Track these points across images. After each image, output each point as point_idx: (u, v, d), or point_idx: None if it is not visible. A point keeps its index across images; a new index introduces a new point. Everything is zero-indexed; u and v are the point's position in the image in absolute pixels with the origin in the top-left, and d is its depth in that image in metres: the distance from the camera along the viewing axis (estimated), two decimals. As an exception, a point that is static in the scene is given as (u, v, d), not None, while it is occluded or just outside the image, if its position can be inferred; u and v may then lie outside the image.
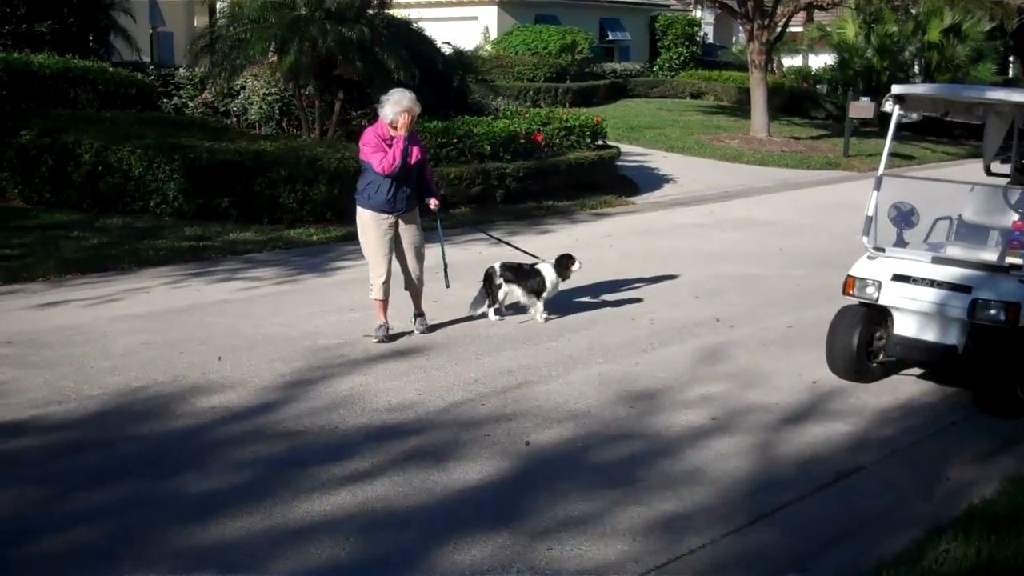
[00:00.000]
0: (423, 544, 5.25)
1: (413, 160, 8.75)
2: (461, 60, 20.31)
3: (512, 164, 16.75)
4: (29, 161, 14.34)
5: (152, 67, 23.12)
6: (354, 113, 18.27)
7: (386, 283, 8.88)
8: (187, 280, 11.00)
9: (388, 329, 8.96)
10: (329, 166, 14.71)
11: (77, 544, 5.18)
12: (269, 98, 19.23)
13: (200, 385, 7.55)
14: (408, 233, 8.95)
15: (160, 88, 20.76)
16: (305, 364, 8.08)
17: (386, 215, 8.79)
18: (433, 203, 9.10)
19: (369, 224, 8.85)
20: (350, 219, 14.52)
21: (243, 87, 19.51)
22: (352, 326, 9.24)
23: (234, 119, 19.72)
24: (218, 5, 26.75)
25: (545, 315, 9.59)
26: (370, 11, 17.27)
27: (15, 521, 5.39)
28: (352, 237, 13.85)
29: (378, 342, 8.81)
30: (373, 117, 18.12)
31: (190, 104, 20.30)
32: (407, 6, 18.82)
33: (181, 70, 21.70)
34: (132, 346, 8.51)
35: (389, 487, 5.90)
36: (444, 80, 18.96)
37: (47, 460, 6.22)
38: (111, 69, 20.02)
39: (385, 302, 8.97)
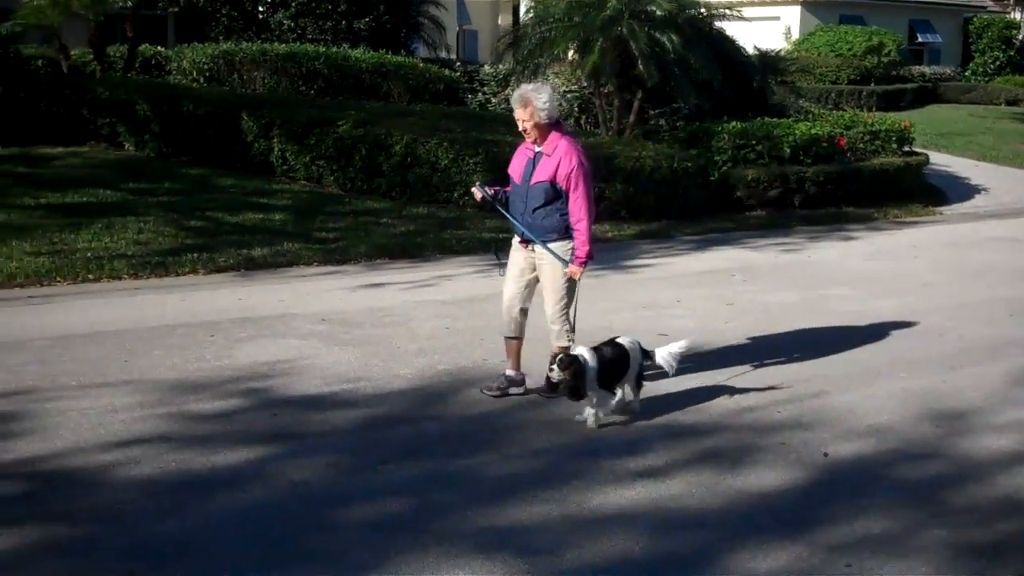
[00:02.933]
0: (717, 547, 5.19)
1: (535, 179, 6.89)
2: (763, 61, 20.00)
3: (812, 168, 16.34)
4: (345, 150, 15.19)
5: (458, 64, 24.06)
6: (652, 112, 18.32)
7: (506, 317, 7.24)
8: (487, 270, 11.33)
9: (508, 381, 7.26)
10: (625, 165, 14.80)
11: (385, 514, 5.44)
12: (569, 95, 19.57)
13: (499, 372, 7.74)
14: (542, 270, 7.10)
15: (465, 84, 21.53)
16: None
17: (518, 236, 7.21)
18: (568, 271, 6.95)
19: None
20: (645, 217, 14.73)
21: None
22: (645, 323, 9.24)
23: (535, 115, 20.16)
24: (522, 5, 27.50)
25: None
26: (688, 12, 17.26)
27: (331, 487, 5.72)
28: (647, 235, 14.03)
29: (489, 393, 7.24)
30: (671, 117, 18.33)
31: (493, 100, 20.96)
32: (709, 6, 18.64)
33: (486, 67, 22.45)
34: (436, 330, 8.86)
35: (683, 486, 5.87)
36: (745, 81, 18.73)
37: (358, 432, 6.57)
38: (421, 65, 20.96)
39: (510, 343, 7.29)
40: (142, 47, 21.30)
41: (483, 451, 6.30)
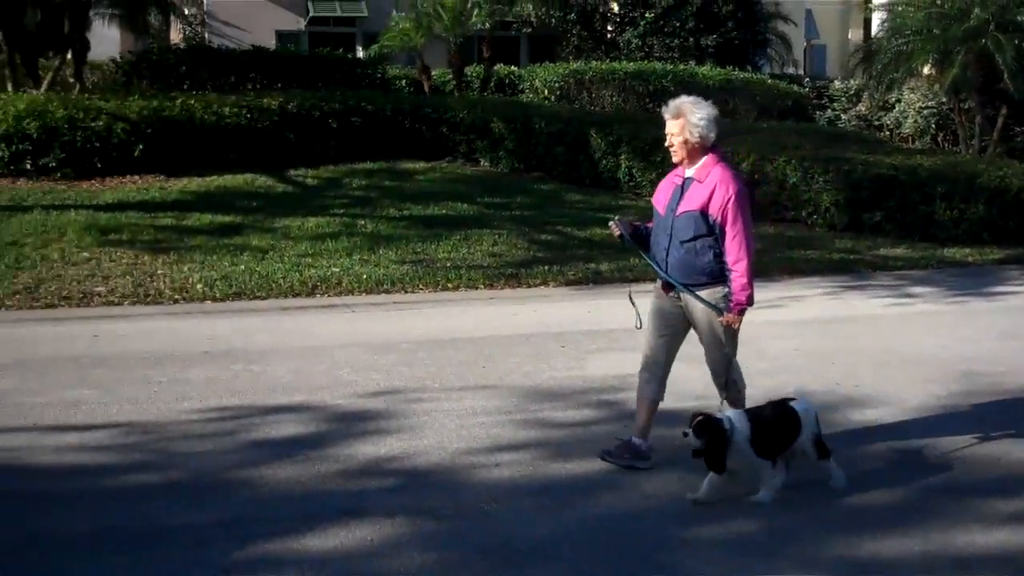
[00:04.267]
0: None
1: (682, 208, 5.91)
2: None
3: None
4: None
5: (807, 79, 23.56)
6: (1017, 129, 17.26)
7: (645, 373, 6.30)
8: (837, 292, 11.08)
9: (639, 448, 6.21)
10: (989, 184, 14.03)
11: (736, 533, 5.39)
12: (925, 111, 18.79)
13: (852, 397, 7.54)
14: (694, 319, 6.13)
15: (814, 100, 21.10)
16: (961, 389, 7.74)
17: (660, 279, 6.21)
18: (725, 319, 5.93)
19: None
20: (1009, 241, 13.86)
21: (898, 100, 19.24)
22: (1013, 355, 8.70)
23: (886, 132, 19.50)
24: (874, 18, 26.61)
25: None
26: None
27: (681, 501, 5.74)
28: (1013, 260, 13.20)
29: (620, 464, 6.18)
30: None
31: (843, 116, 20.40)
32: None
33: (835, 82, 21.89)
34: (784, 351, 8.72)
35: (1059, 532, 5.47)
36: None
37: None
38: (769, 81, 20.73)
39: (643, 404, 6.30)
40: (497, 67, 22.29)
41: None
